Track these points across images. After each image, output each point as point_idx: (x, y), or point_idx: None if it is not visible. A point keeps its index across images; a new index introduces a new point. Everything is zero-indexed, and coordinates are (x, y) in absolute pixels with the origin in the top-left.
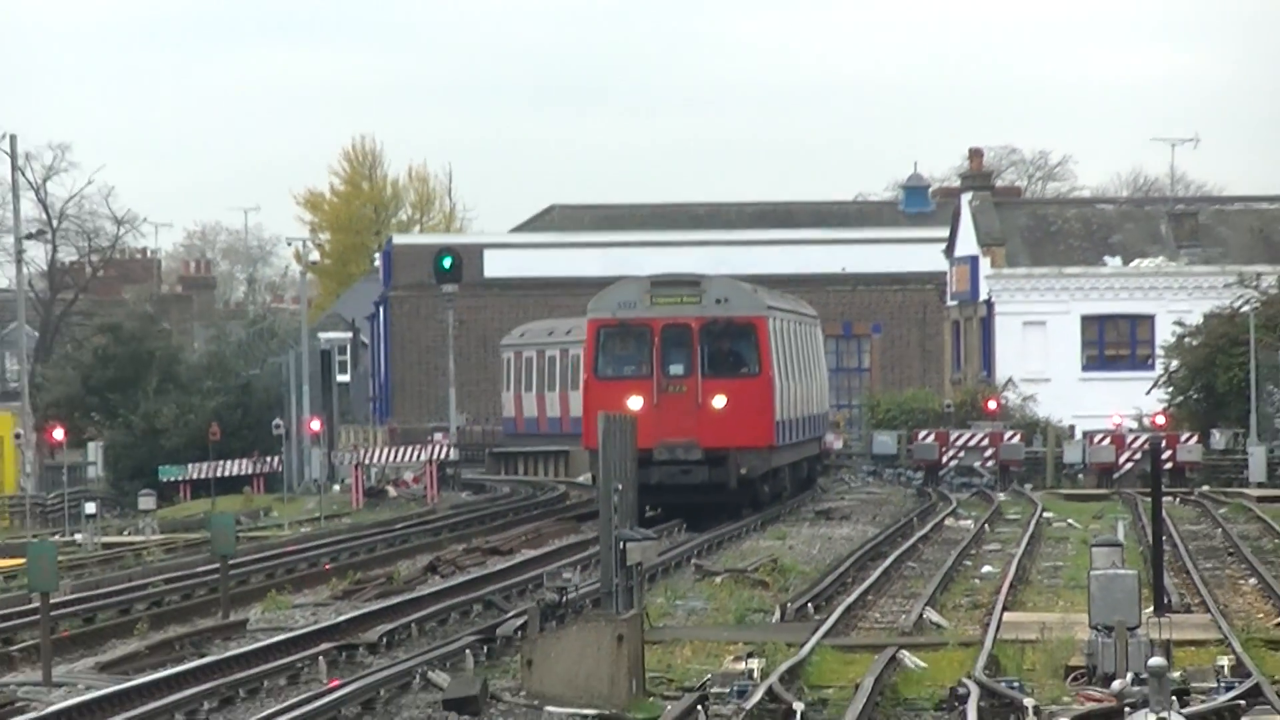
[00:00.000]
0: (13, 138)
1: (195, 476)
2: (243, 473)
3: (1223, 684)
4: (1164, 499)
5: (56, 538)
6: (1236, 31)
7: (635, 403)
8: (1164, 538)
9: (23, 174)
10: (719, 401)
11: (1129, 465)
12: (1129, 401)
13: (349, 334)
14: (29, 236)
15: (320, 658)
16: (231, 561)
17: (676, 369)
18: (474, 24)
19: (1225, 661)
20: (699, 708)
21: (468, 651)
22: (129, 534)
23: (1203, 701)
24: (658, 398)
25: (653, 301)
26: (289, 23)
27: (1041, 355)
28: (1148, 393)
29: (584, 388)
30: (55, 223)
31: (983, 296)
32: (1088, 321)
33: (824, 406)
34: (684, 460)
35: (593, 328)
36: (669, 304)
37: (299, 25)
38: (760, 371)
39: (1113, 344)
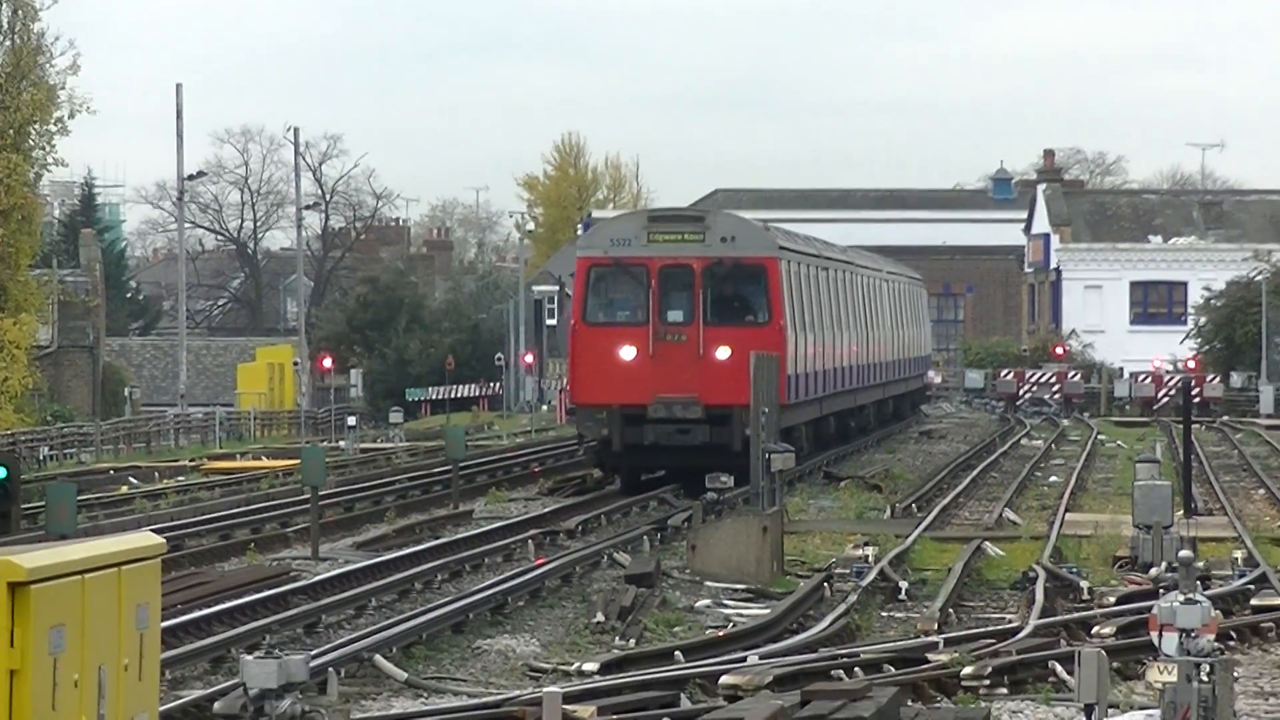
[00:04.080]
0: (295, 129)
1: (434, 397)
2: (471, 395)
3: (1237, 572)
4: (1193, 426)
5: (325, 444)
6: (1259, 58)
7: (628, 353)
8: (1192, 456)
9: (303, 158)
10: (723, 353)
11: (1165, 399)
12: (1167, 349)
13: (556, 287)
14: (308, 207)
15: (529, 541)
16: (461, 464)
17: (675, 315)
18: (657, 45)
19: (1239, 555)
20: (825, 584)
21: (645, 538)
22: (381, 442)
23: (1221, 586)
24: (654, 348)
25: (650, 239)
26: (513, 42)
27: (1098, 312)
28: (1181, 343)
29: (571, 335)
30: (328, 197)
31: (1053, 265)
32: (1135, 286)
33: (926, 350)
34: (682, 419)
35: (583, 266)
36: (669, 242)
37: (521, 43)
38: (770, 320)
39: (1154, 304)
